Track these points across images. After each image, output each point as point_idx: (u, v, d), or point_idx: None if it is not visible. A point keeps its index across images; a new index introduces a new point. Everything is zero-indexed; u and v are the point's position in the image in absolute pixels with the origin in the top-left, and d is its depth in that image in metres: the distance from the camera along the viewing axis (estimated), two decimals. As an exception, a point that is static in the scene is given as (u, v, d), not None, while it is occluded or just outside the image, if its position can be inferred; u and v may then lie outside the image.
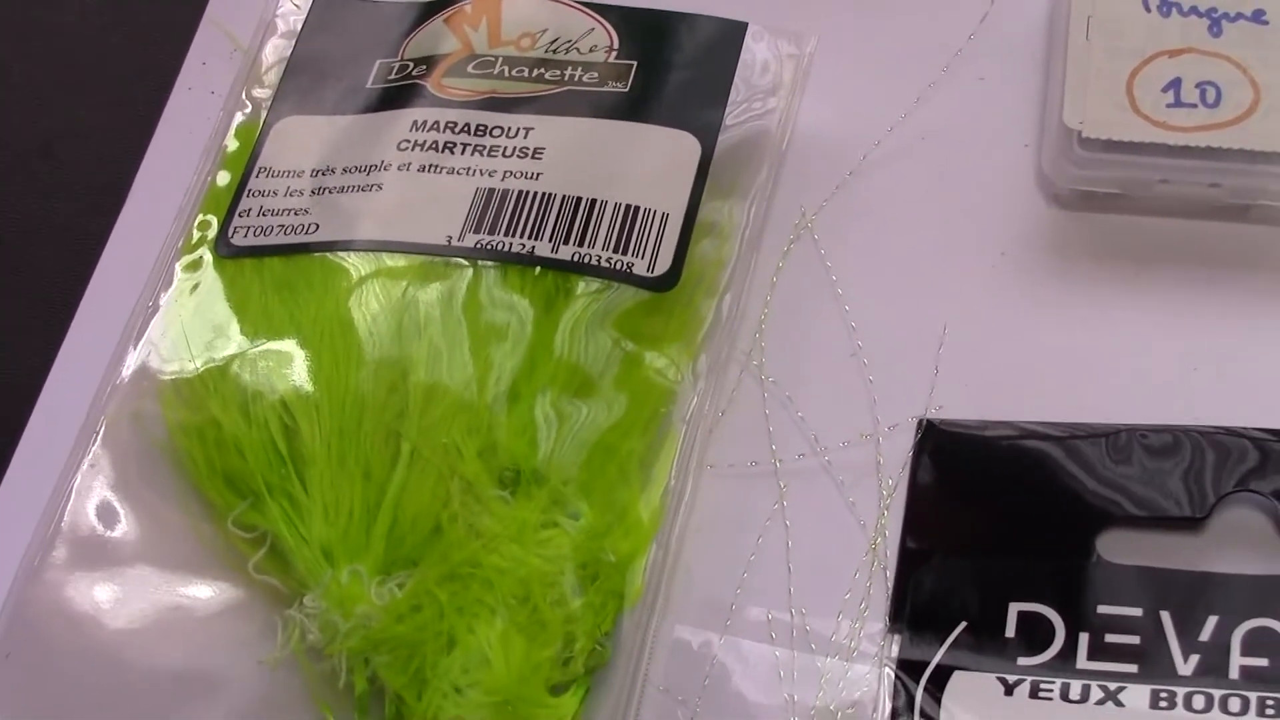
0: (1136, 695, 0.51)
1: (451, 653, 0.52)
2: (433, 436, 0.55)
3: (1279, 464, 0.54)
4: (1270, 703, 0.50)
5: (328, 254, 0.60)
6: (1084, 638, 0.52)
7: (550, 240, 0.59)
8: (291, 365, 0.57)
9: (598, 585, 0.54)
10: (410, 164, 0.61)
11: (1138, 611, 0.53)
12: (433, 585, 0.53)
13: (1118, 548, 0.54)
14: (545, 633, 0.52)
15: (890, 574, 0.55)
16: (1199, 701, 0.51)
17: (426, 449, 0.55)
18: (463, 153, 0.61)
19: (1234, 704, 0.50)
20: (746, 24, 0.62)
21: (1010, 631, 0.53)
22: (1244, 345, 0.58)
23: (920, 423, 0.57)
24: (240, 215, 0.61)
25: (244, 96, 0.65)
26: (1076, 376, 0.58)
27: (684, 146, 0.61)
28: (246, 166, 0.63)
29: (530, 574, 0.53)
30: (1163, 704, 0.51)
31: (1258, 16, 0.59)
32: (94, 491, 0.56)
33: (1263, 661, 0.51)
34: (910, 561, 0.55)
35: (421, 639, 0.52)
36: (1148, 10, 0.60)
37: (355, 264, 0.59)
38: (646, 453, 0.56)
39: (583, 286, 0.58)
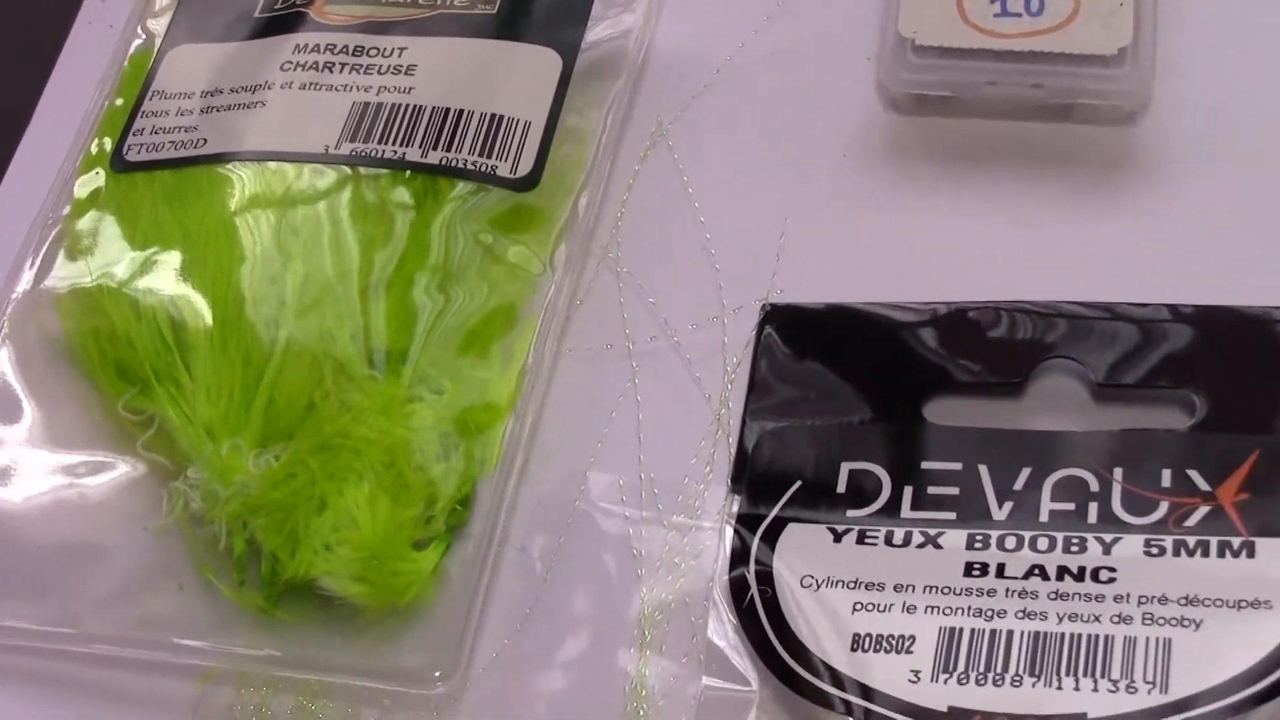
0: (954, 538, 0.55)
1: (322, 514, 0.56)
2: (307, 323, 0.59)
3: (1088, 333, 0.58)
4: (1074, 540, 0.54)
5: (215, 166, 0.63)
6: (908, 490, 0.56)
7: (420, 147, 0.62)
8: (179, 266, 0.61)
9: (458, 453, 0.57)
10: (292, 83, 0.65)
11: (958, 466, 0.56)
12: (306, 455, 0.57)
13: (943, 412, 0.58)
14: (408, 495, 0.56)
15: (733, 441, 0.58)
16: (1010, 542, 0.54)
17: (302, 334, 0.58)
18: (341, 72, 0.65)
19: (1042, 543, 0.54)
20: (605, -52, 0.66)
21: (841, 488, 0.56)
22: (1062, 232, 0.61)
23: (763, 305, 0.61)
24: (134, 134, 0.65)
25: (139, 28, 0.68)
26: (909, 264, 0.61)
27: (547, 61, 0.64)
28: (141, 91, 0.66)
29: (395, 443, 0.56)
30: (978, 545, 0.54)
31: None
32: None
33: (1069, 505, 0.55)
34: (751, 429, 0.58)
35: (295, 503, 0.56)
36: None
37: (240, 173, 0.63)
38: (507, 337, 0.60)
39: (451, 189, 0.62)
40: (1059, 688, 0.50)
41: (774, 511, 0.56)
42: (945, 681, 0.51)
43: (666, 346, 0.61)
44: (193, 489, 0.57)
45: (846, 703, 0.51)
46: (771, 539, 0.55)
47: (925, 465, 0.56)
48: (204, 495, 0.56)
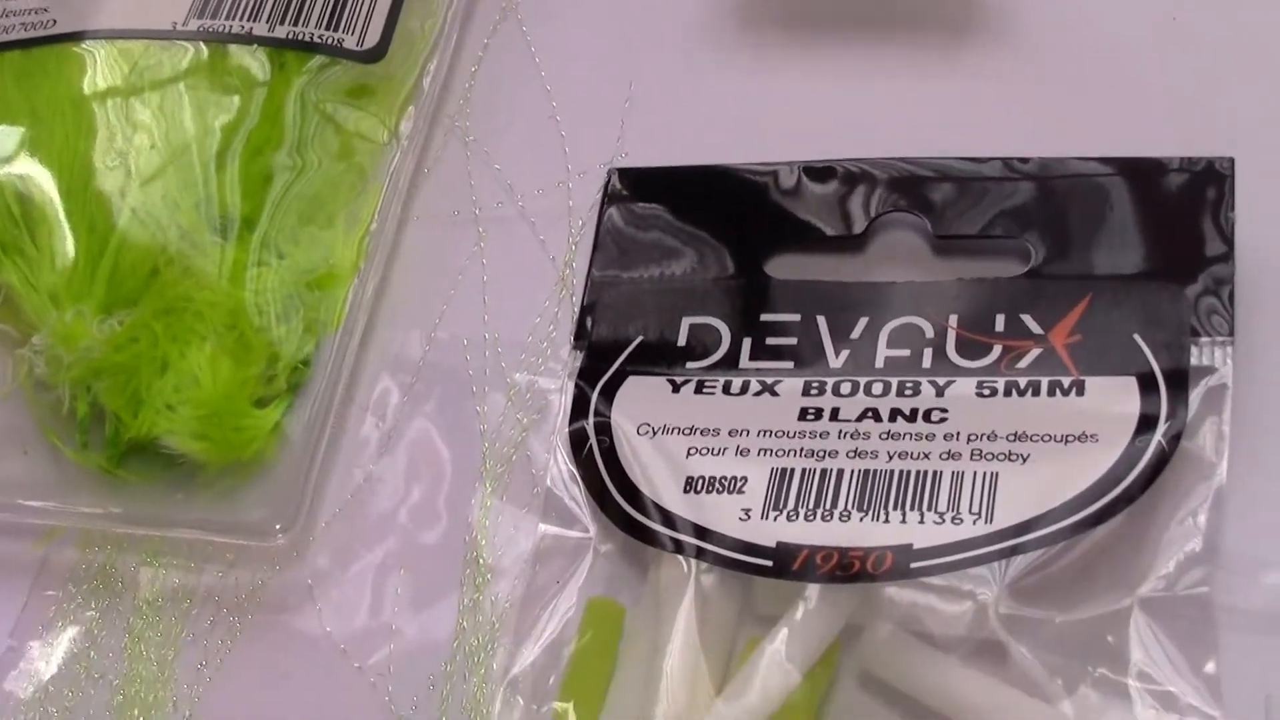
0: (790, 385, 0.55)
1: (164, 375, 0.55)
2: (153, 192, 0.58)
3: (926, 188, 0.58)
4: (909, 384, 0.54)
5: (65, 45, 0.63)
6: (747, 342, 0.56)
7: (267, 21, 0.62)
8: (26, 141, 0.60)
9: (300, 315, 0.57)
10: (139, -33, 0.64)
11: (796, 317, 0.56)
12: (149, 319, 0.56)
13: (785, 268, 0.58)
14: (250, 355, 0.56)
15: (576, 301, 0.58)
16: (845, 387, 0.54)
17: (147, 203, 0.58)
18: (189, -46, 0.65)
19: (877, 388, 0.54)
20: None
21: (681, 342, 0.56)
22: (903, 93, 0.62)
23: (608, 170, 0.61)
24: (-16, 17, 0.64)
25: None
26: (752, 128, 0.62)
27: (394, -65, 0.64)
28: (-10, -21, 0.66)
29: (237, 305, 0.56)
30: (813, 391, 0.54)
31: None
32: None
33: (905, 352, 0.55)
34: (596, 288, 0.58)
35: (137, 365, 0.56)
36: None
37: (89, 51, 0.62)
38: (353, 204, 0.60)
39: (300, 62, 0.61)
40: (886, 521, 0.51)
41: (614, 366, 0.56)
42: (775, 519, 0.51)
43: (513, 211, 0.61)
44: (37, 355, 0.56)
45: (678, 541, 0.52)
46: (610, 392, 0.55)
47: (764, 318, 0.56)
48: (48, 361, 0.56)
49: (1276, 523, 0.51)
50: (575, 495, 0.54)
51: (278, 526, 0.54)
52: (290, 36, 0.62)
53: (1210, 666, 0.48)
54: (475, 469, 0.56)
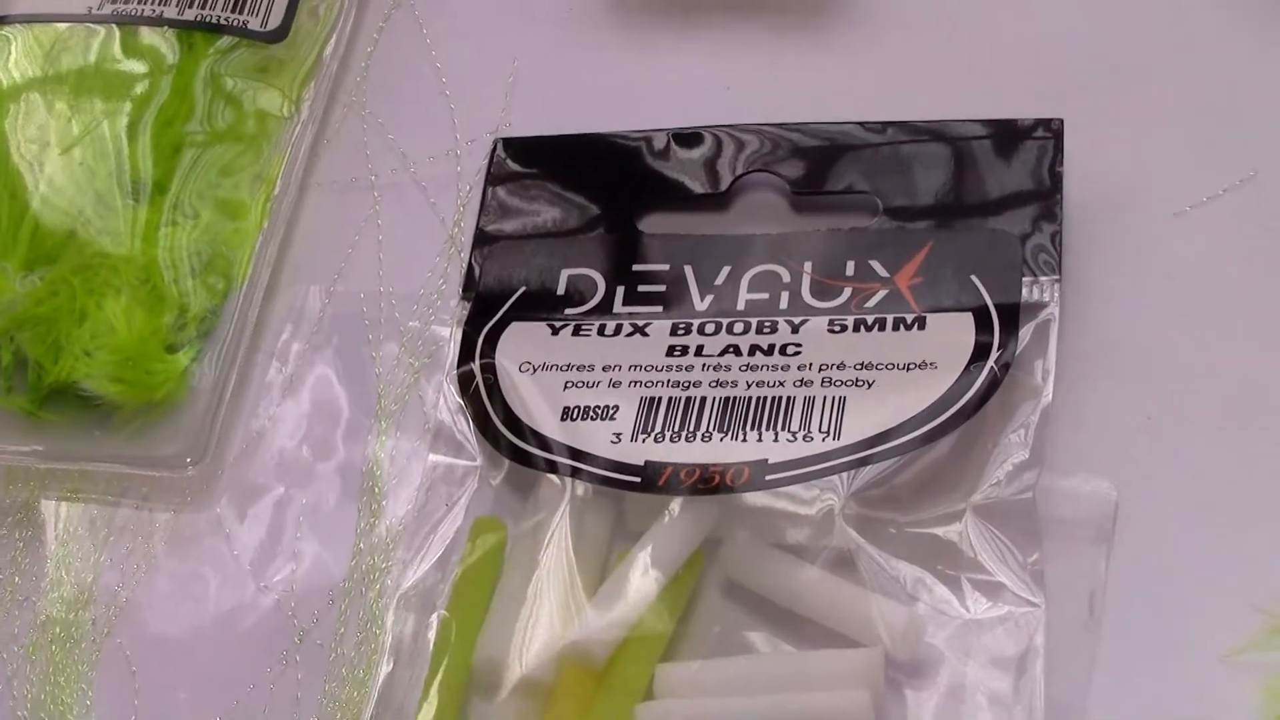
0: (659, 327, 0.59)
1: (82, 325, 0.59)
2: (70, 160, 0.62)
3: (785, 149, 0.62)
4: (767, 324, 0.58)
5: (-16, 30, 0.66)
6: (620, 290, 0.60)
7: (177, 6, 0.66)
8: (-52, 120, 0.64)
9: (209, 268, 0.61)
10: (55, -49, 0.68)
11: (665, 267, 0.60)
12: (68, 274, 0.60)
13: (656, 225, 0.62)
14: (162, 305, 0.60)
15: (464, 257, 0.62)
16: (710, 328, 0.58)
17: (65, 171, 0.62)
18: (102, -56, 0.68)
19: (738, 327, 0.58)
20: None
21: (560, 291, 0.60)
22: (766, 66, 0.66)
23: (494, 138, 0.65)
24: (-98, 3, 0.68)
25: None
26: (628, 100, 0.66)
27: (291, -78, 0.68)
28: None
29: (150, 261, 0.60)
30: (680, 331, 0.58)
31: None
32: None
33: (764, 295, 0.59)
34: (482, 245, 0.62)
35: (57, 316, 0.59)
36: None
37: (6, 35, 0.66)
38: (257, 171, 0.63)
39: (209, 43, 0.65)
40: (744, 440, 0.55)
41: (499, 314, 0.60)
42: (643, 441, 0.55)
43: (406, 178, 0.65)
44: (-37, 310, 0.60)
45: (555, 463, 0.55)
46: (495, 337, 0.59)
47: (636, 268, 0.60)
48: (-28, 314, 0.59)
49: (1097, 438, 0.56)
50: (462, 427, 0.58)
51: (188, 460, 0.58)
52: (198, 19, 0.66)
53: (1035, 560, 0.52)
54: (371, 409, 0.59)
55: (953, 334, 0.56)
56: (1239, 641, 0.52)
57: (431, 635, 0.54)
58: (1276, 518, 0.54)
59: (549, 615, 0.53)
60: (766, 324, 0.58)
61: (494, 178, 0.63)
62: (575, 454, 0.55)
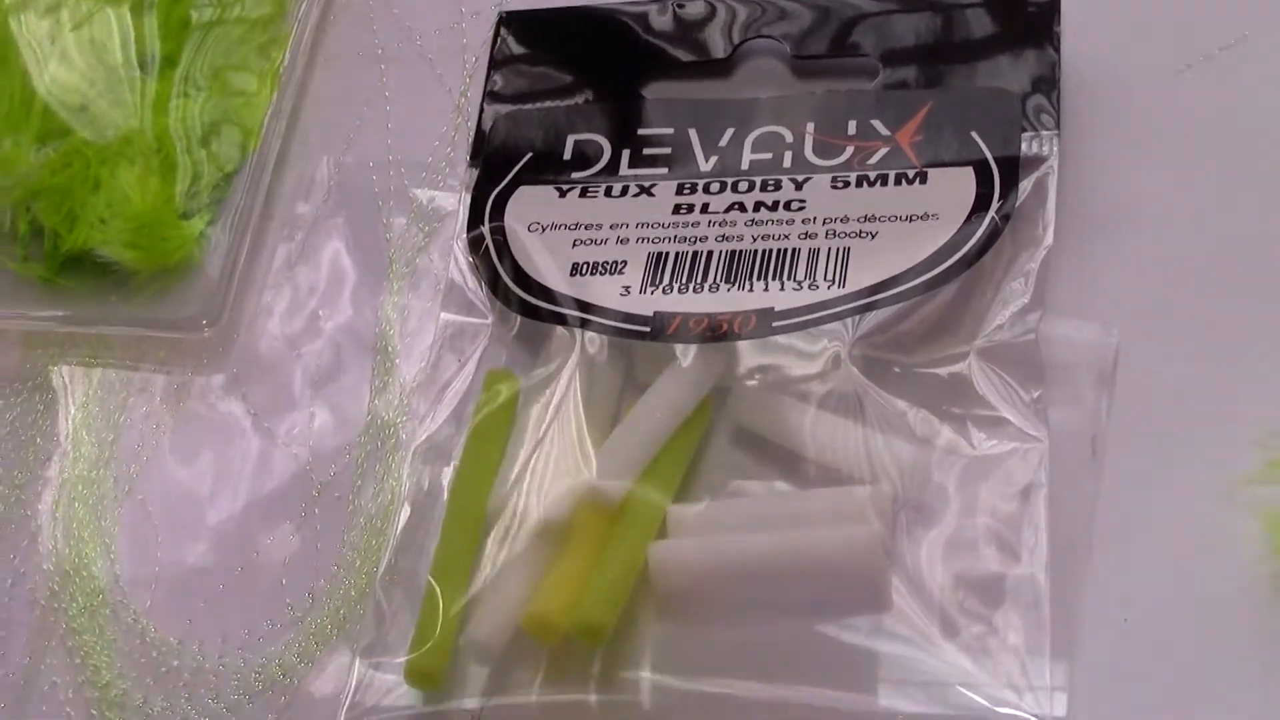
0: (665, 188, 0.59)
1: (97, 194, 0.60)
2: (81, 37, 0.63)
3: (786, 15, 0.63)
4: (770, 182, 0.59)
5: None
6: (625, 153, 0.61)
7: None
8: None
9: (220, 139, 0.61)
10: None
11: (670, 131, 0.61)
12: (81, 145, 0.60)
13: (660, 92, 0.63)
14: (174, 173, 0.60)
15: (471, 125, 0.63)
16: (714, 187, 0.59)
17: (77, 46, 0.62)
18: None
19: (742, 186, 0.59)
20: None
21: (567, 156, 0.61)
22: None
23: (499, 11, 0.65)
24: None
25: None
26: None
27: None
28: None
29: (162, 131, 0.61)
30: (686, 191, 0.59)
31: None
32: None
33: (767, 155, 0.60)
34: (488, 113, 0.63)
35: (72, 186, 0.60)
36: None
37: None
38: (266, 45, 0.64)
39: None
40: (750, 290, 0.55)
41: (506, 179, 0.60)
42: (651, 293, 0.56)
43: (412, 51, 0.65)
44: (-21, 183, 0.60)
45: (565, 316, 0.56)
46: (503, 201, 0.60)
47: (641, 132, 0.61)
48: (-10, 186, 0.60)
49: (1097, 286, 0.56)
50: (473, 287, 0.58)
51: (204, 322, 0.58)
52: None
53: (1038, 397, 0.53)
54: (382, 273, 0.60)
55: (954, 187, 0.57)
56: (1237, 476, 0.52)
57: (447, 484, 0.54)
58: (1271, 359, 0.54)
59: (563, 460, 0.53)
60: (770, 182, 0.58)
61: (499, 48, 0.64)
62: (584, 307, 0.56)
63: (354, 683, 0.51)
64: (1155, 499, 0.53)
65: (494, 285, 0.58)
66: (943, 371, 0.54)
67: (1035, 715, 0.48)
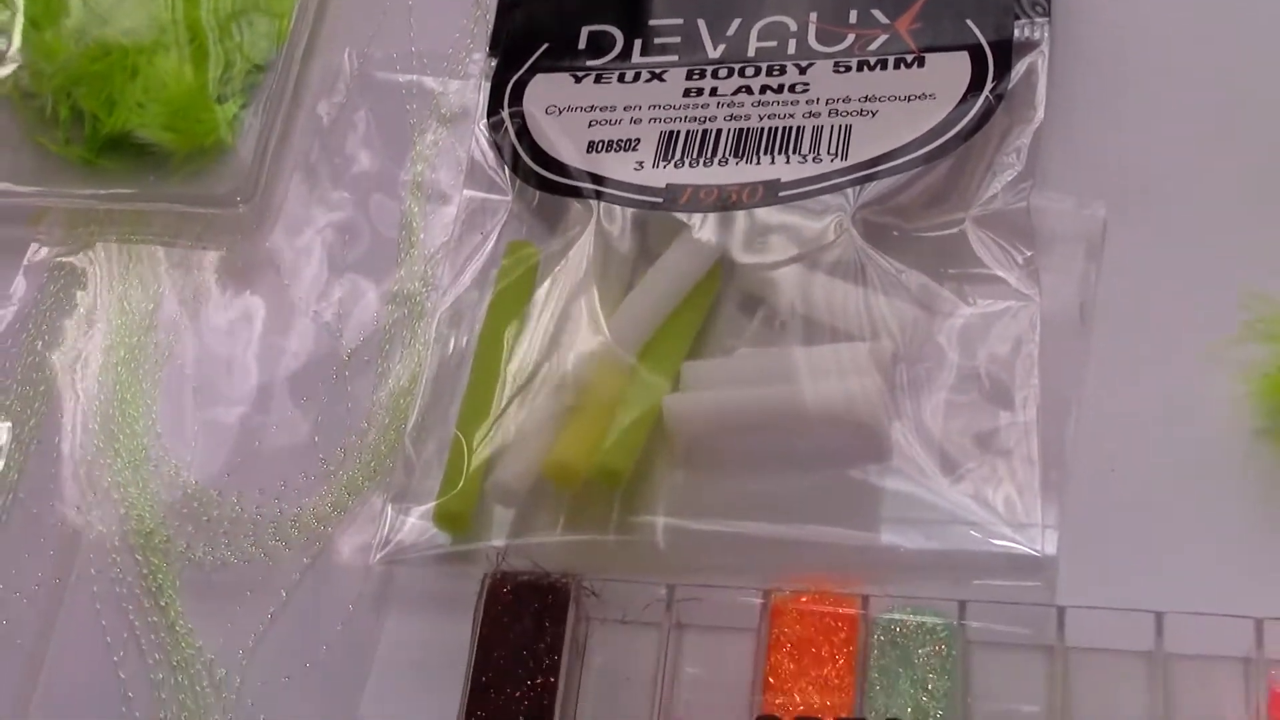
0: (676, 74, 0.62)
1: (135, 80, 0.62)
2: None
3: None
4: (775, 67, 0.61)
5: None
6: (638, 42, 0.63)
7: None
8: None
9: (251, 29, 0.64)
10: None
11: (679, 21, 0.64)
12: (120, 36, 0.63)
13: (670, -13, 0.65)
14: (208, 61, 0.63)
15: (490, 16, 0.65)
16: (723, 72, 0.62)
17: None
18: None
19: (749, 71, 0.62)
20: None
21: (581, 45, 0.64)
22: None
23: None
24: None
25: None
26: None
27: None
28: None
29: (195, 22, 0.63)
30: (695, 76, 0.62)
31: None
32: None
33: (772, 43, 0.62)
34: (506, 5, 0.66)
35: (111, 73, 0.63)
36: None
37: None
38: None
39: None
40: (757, 163, 0.58)
41: (524, 67, 0.63)
42: (663, 167, 0.59)
43: (434, -53, 0.68)
44: (22, 70, 0.63)
45: (582, 189, 0.59)
46: (521, 88, 0.63)
47: (652, 22, 0.64)
48: (32, 74, 0.63)
49: (1083, 159, 0.59)
50: (494, 166, 0.61)
51: (239, 198, 0.61)
52: None
53: (1030, 258, 0.56)
54: (406, 154, 0.63)
55: (950, 70, 0.60)
56: (1218, 339, 0.55)
57: (471, 345, 0.57)
58: (1255, 227, 0.57)
59: (580, 322, 0.56)
60: (776, 67, 0.61)
61: (515, -54, 0.66)
62: (600, 180, 0.59)
63: (386, 527, 0.54)
64: (1140, 359, 0.56)
65: (514, 164, 0.60)
66: (940, 236, 0.57)
67: (1030, 550, 0.51)
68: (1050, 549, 0.52)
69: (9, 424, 0.59)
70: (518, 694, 0.51)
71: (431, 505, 0.54)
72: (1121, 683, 0.50)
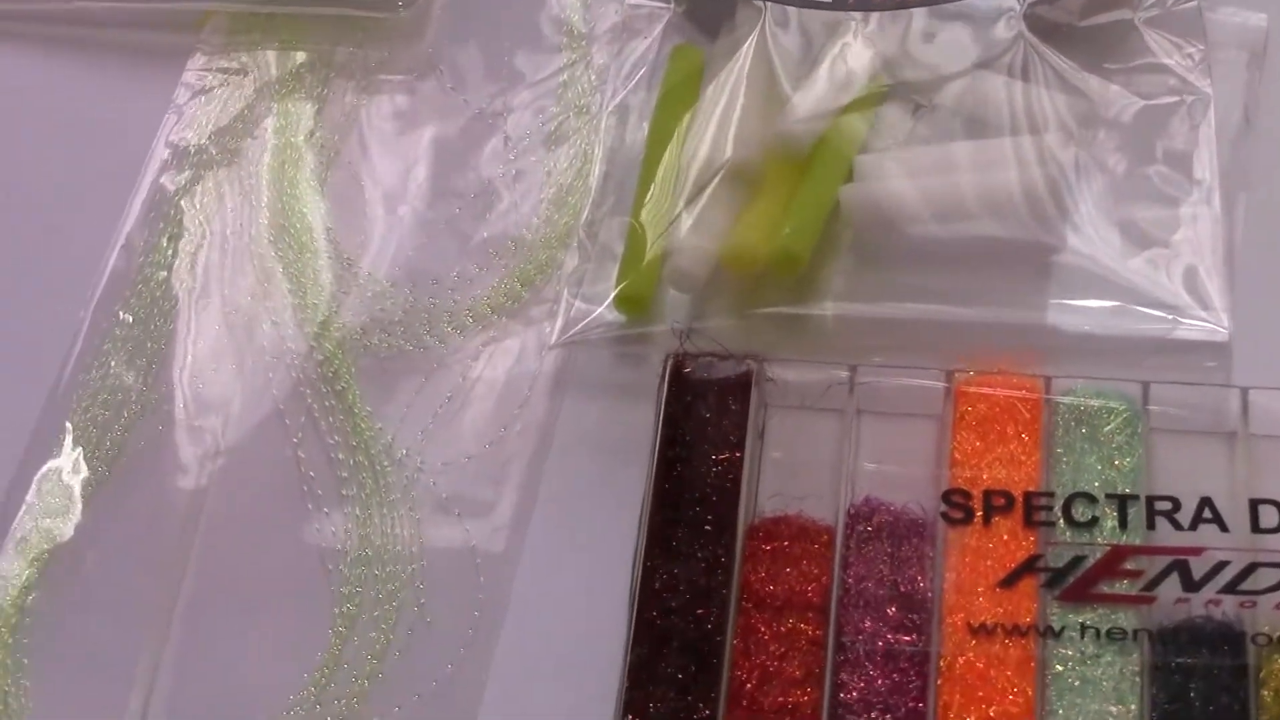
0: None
1: None
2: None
3: None
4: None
5: None
6: None
7: None
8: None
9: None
10: None
11: None
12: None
13: None
14: None
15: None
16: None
17: None
18: None
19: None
20: None
21: None
22: None
23: None
24: None
25: None
26: None
27: None
28: None
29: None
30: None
31: None
32: None
33: None
34: None
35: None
36: None
37: None
38: None
39: None
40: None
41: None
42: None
43: None
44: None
45: (746, -12, 0.59)
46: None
47: None
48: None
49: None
50: (657, -30, 0.61)
51: (399, 2, 0.61)
52: None
53: (1201, 52, 0.56)
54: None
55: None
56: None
57: (640, 141, 0.57)
58: None
59: (752, 112, 0.56)
60: None
61: None
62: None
63: (563, 312, 0.54)
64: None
65: (668, -38, 0.60)
66: (1111, 33, 0.57)
67: (1217, 327, 0.51)
68: (1228, 332, 0.52)
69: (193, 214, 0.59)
70: (703, 469, 0.51)
71: (609, 289, 0.54)
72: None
